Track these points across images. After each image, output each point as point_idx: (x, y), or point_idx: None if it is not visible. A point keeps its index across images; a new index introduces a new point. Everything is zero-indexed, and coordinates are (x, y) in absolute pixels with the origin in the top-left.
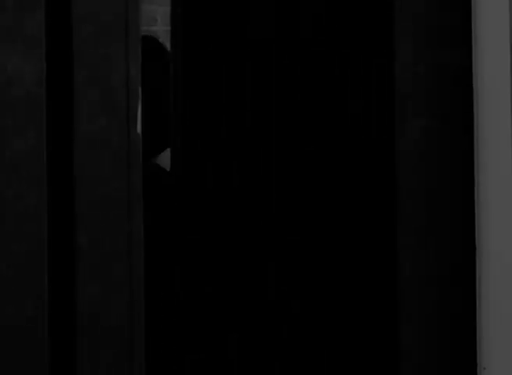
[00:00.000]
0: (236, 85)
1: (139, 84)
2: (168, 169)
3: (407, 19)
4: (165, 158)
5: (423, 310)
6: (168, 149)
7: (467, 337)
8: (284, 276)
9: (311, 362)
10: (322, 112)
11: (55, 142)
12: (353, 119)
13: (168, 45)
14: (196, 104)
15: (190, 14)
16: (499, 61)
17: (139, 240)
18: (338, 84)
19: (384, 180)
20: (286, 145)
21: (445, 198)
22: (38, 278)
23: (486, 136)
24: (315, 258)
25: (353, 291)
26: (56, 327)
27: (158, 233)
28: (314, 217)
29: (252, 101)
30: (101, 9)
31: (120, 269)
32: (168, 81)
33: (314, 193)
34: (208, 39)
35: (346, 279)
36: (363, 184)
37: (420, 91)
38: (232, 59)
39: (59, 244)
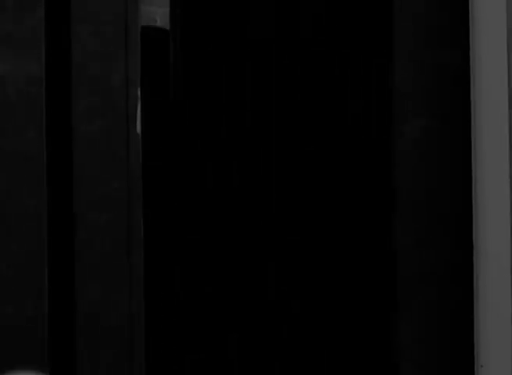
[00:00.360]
0: (235, 85)
1: (138, 84)
2: None
3: (406, 19)
4: None
5: (422, 309)
6: None
7: (465, 336)
8: (284, 276)
9: (311, 362)
10: (322, 112)
11: (54, 142)
12: (354, 119)
13: None
14: (196, 104)
15: (190, 15)
16: (496, 60)
17: (139, 240)
18: (338, 84)
19: (384, 179)
20: (286, 145)
21: (444, 197)
22: (38, 278)
23: (484, 135)
24: (315, 259)
25: (352, 291)
26: (56, 327)
27: (158, 233)
28: (313, 217)
29: (252, 101)
30: (101, 9)
31: (120, 269)
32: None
33: (314, 193)
34: (207, 39)
35: (346, 278)
36: (363, 184)
37: (419, 90)
38: (232, 59)
39: (59, 244)
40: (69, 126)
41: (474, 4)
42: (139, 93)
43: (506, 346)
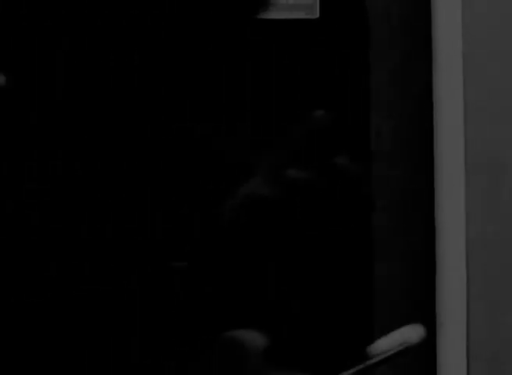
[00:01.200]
0: (235, 85)
1: None
2: None
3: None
4: None
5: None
6: None
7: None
8: (284, 276)
9: (310, 362)
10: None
11: None
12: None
13: None
14: (195, 104)
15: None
16: (453, 73)
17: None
18: (336, 84)
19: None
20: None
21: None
22: None
23: (443, 140)
24: (314, 258)
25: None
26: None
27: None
28: (313, 217)
29: (251, 102)
30: None
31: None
32: None
33: (314, 193)
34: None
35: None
36: (361, 185)
37: (391, 96)
38: (231, 59)
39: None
40: None
41: (436, 27)
42: None
43: (462, 309)
